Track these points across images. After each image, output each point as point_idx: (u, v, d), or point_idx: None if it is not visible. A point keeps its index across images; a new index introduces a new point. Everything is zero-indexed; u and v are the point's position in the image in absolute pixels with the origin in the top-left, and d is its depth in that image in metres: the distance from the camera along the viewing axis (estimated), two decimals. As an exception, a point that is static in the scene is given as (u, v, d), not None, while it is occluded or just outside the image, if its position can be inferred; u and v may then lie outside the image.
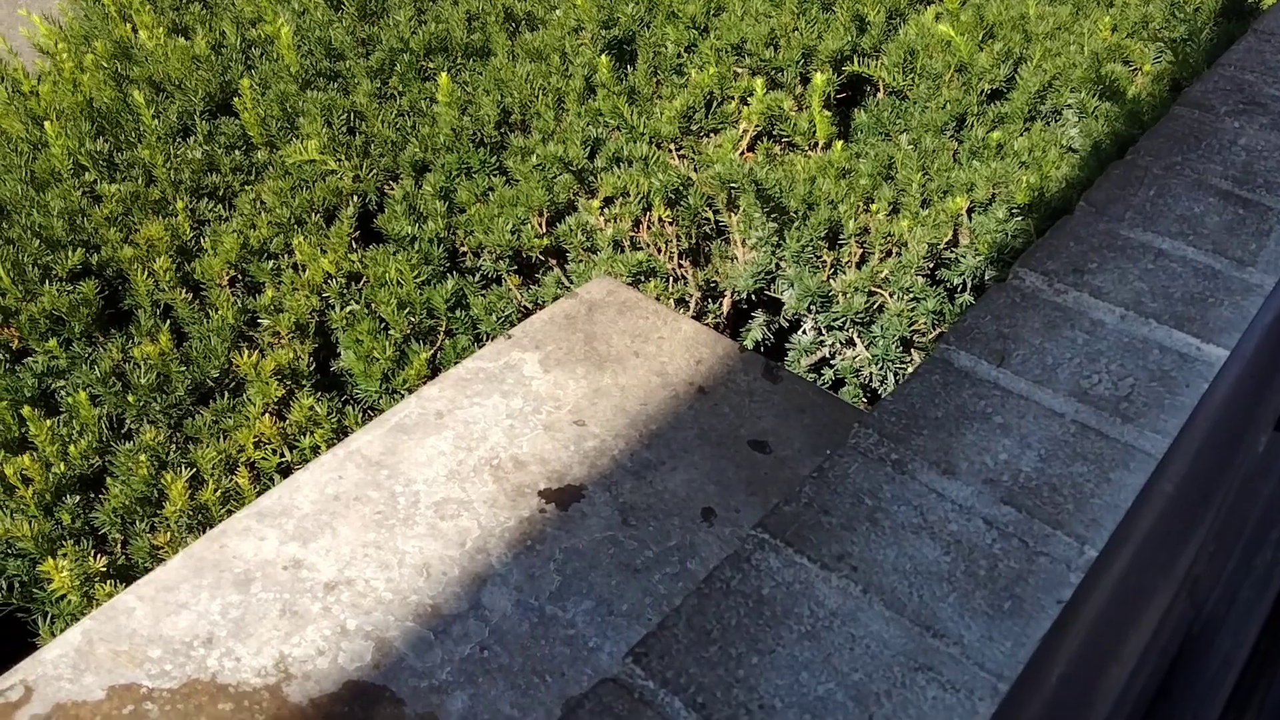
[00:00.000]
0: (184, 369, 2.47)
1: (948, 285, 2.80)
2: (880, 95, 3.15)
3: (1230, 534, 0.94)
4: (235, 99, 2.81)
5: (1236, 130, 1.60)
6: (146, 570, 2.32)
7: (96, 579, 2.18)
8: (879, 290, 2.74)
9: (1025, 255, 1.41)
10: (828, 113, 2.96)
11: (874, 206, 2.85)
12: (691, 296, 2.78)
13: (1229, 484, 0.99)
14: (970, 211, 2.90)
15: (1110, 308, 1.33)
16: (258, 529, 1.77)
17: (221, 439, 2.40)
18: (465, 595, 1.66)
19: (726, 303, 2.85)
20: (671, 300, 2.70)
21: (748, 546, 1.05)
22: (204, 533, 2.30)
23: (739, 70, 3.07)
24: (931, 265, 2.86)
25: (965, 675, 0.98)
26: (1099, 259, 1.40)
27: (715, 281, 2.83)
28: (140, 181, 2.73)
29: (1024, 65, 3.11)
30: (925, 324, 2.72)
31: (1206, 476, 1.01)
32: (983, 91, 3.08)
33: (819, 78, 2.93)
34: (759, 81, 2.95)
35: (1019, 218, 2.81)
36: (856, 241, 2.82)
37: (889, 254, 2.84)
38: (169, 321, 2.56)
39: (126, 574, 2.25)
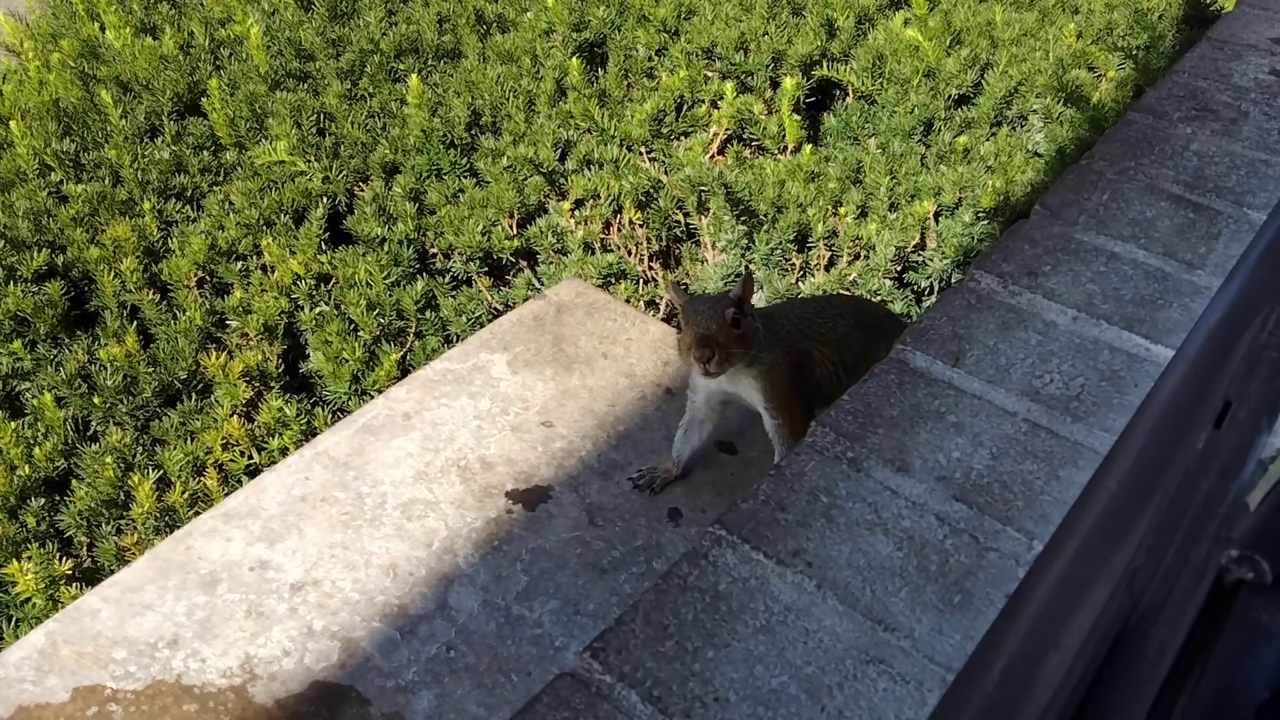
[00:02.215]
0: (151, 370, 2.46)
1: (915, 287, 2.84)
2: (849, 99, 3.19)
3: (1169, 528, 0.97)
4: (204, 99, 2.81)
5: (1189, 136, 1.64)
6: (112, 573, 2.32)
7: (61, 581, 2.17)
8: (847, 292, 2.78)
9: (981, 258, 1.44)
10: (797, 117, 3.00)
11: (842, 210, 2.89)
12: (661, 298, 2.81)
13: (1170, 480, 1.02)
14: (937, 215, 2.94)
15: (1063, 309, 1.36)
16: (224, 530, 1.78)
17: (189, 441, 2.40)
18: (432, 595, 1.67)
19: (696, 305, 2.87)
20: (641, 302, 2.73)
21: (705, 543, 1.08)
22: (170, 534, 2.30)
23: (709, 74, 3.10)
24: (899, 268, 2.90)
25: (915, 667, 1.01)
26: (1053, 262, 1.43)
27: (685, 283, 2.86)
28: (107, 182, 2.72)
29: (990, 71, 3.16)
30: (893, 326, 2.76)
31: (1149, 473, 1.04)
32: (950, 96, 3.12)
33: (789, 82, 2.96)
34: (729, 85, 2.98)
35: (985, 221, 2.85)
36: (825, 244, 2.86)
37: (857, 257, 2.87)
38: (136, 323, 2.55)
39: (92, 576, 2.24)
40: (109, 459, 2.31)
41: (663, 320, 2.78)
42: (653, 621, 1.03)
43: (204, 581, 1.72)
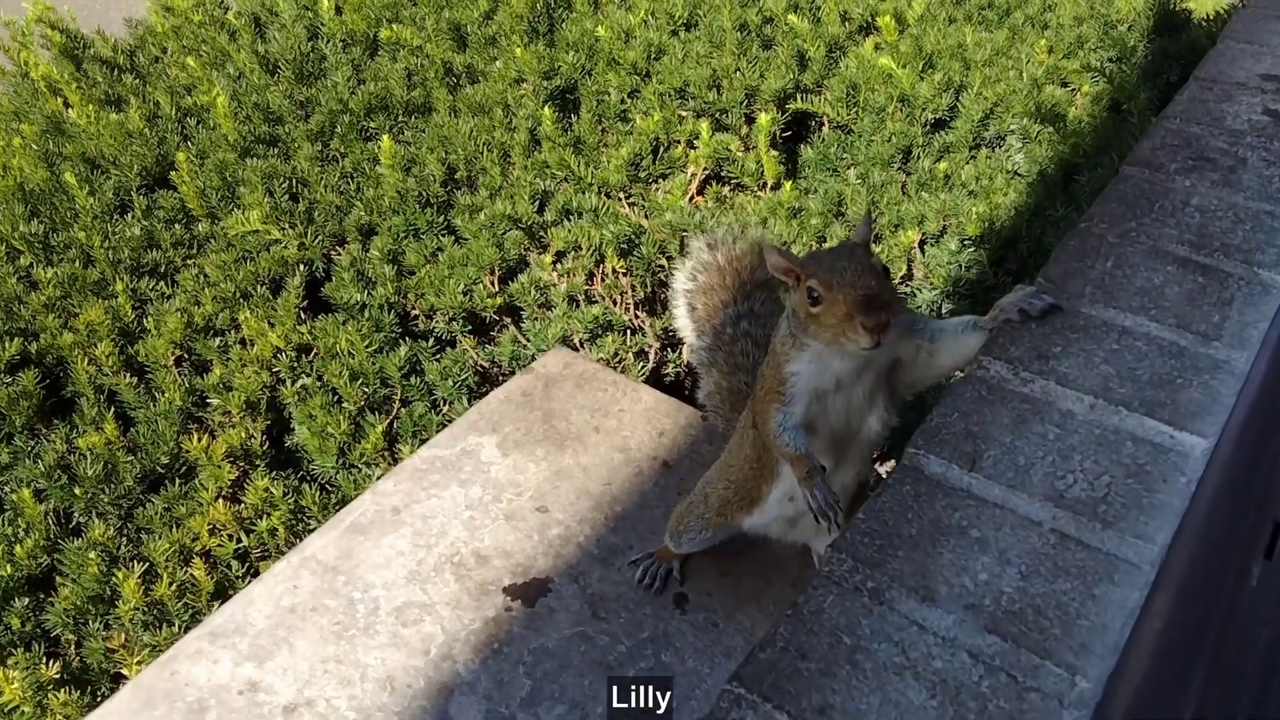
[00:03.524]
0: (131, 457, 2.33)
1: (904, 320, 2.74)
2: (825, 130, 3.08)
3: (1229, 685, 0.86)
4: (172, 172, 2.68)
5: (1188, 190, 1.54)
6: (102, 671, 2.19)
7: (50, 687, 2.05)
8: (836, 331, 2.67)
9: (988, 343, 1.33)
10: (775, 152, 2.88)
11: (827, 246, 2.78)
12: (651, 347, 2.69)
13: (1222, 616, 0.92)
14: (922, 244, 2.84)
15: (1079, 396, 1.25)
16: (210, 651, 1.65)
17: (174, 528, 2.27)
18: (432, 708, 1.56)
19: (686, 351, 2.76)
20: (631, 353, 2.61)
21: (723, 704, 0.97)
22: (159, 630, 2.17)
23: (683, 113, 2.98)
24: (887, 301, 2.80)
25: (960, 837, 0.91)
26: (1062, 341, 1.33)
27: (674, 329, 2.74)
28: (78, 263, 2.58)
29: (965, 93, 3.05)
30: (884, 361, 2.65)
31: (1196, 611, 0.93)
32: (926, 122, 3.02)
33: (763, 117, 2.84)
34: (704, 124, 2.86)
35: (971, 249, 2.75)
36: (811, 282, 2.75)
37: (844, 292, 2.77)
38: (114, 408, 2.41)
39: (81, 679, 2.11)
40: (93, 554, 2.18)
41: (654, 369, 2.67)
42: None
43: (192, 710, 1.59)
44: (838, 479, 1.51)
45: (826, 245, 1.60)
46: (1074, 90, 3.15)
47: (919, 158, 2.96)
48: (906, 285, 2.80)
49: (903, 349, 1.44)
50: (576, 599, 1.69)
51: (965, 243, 2.75)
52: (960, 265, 2.74)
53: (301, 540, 1.98)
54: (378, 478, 2.10)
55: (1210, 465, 1.08)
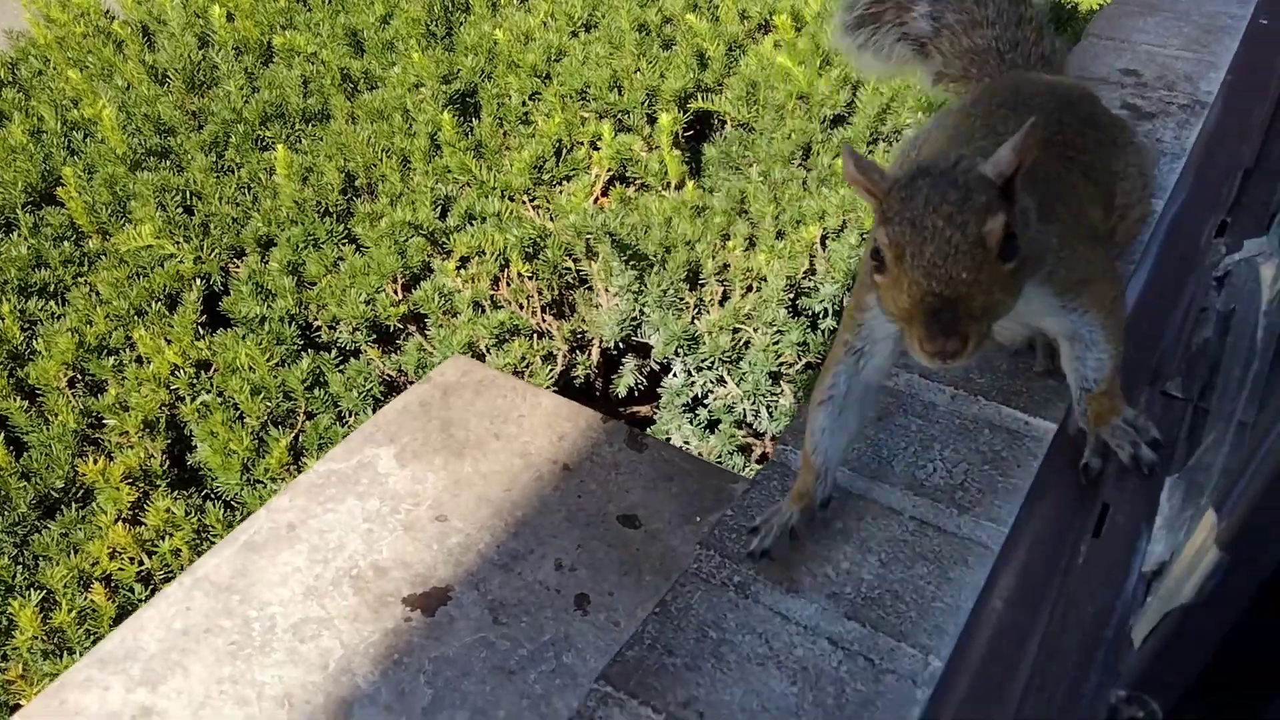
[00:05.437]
0: (25, 483, 2.28)
1: (809, 314, 2.80)
2: (727, 129, 3.13)
3: (1056, 658, 0.92)
4: (60, 188, 2.62)
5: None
6: (0, 704, 2.14)
7: (-56, 725, 2.00)
8: (743, 326, 2.72)
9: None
10: (677, 152, 2.93)
11: (730, 243, 2.83)
12: (559, 350, 2.71)
13: (1053, 600, 0.98)
14: (824, 239, 2.91)
15: (940, 388, 1.31)
16: (100, 678, 1.63)
17: (73, 554, 2.23)
18: (331, 723, 1.56)
19: (595, 352, 2.79)
20: (538, 357, 2.63)
21: (590, 703, 1.00)
22: (60, 659, 2.13)
23: (585, 115, 3.01)
24: (792, 296, 2.85)
25: (819, 817, 0.95)
26: (928, 334, 1.38)
27: (582, 331, 2.77)
28: (-40, 286, 2.51)
29: (862, 89, 3.13)
30: (791, 355, 2.71)
31: (1033, 594, 0.99)
32: (825, 118, 3.08)
33: (665, 118, 2.88)
34: (606, 125, 2.89)
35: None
36: (717, 280, 2.79)
37: (750, 289, 2.81)
38: (4, 433, 2.36)
39: (-22, 714, 2.07)
40: (-14, 585, 2.13)
41: (562, 372, 2.68)
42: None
43: (82, 739, 1.58)
44: None
45: (926, 157, 1.10)
46: (968, 83, 3.25)
47: (819, 154, 3.02)
48: (809, 280, 2.86)
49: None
50: (477, 606, 1.71)
51: (865, 236, 2.82)
52: (860, 259, 2.81)
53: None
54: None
55: (1052, 447, 1.14)
